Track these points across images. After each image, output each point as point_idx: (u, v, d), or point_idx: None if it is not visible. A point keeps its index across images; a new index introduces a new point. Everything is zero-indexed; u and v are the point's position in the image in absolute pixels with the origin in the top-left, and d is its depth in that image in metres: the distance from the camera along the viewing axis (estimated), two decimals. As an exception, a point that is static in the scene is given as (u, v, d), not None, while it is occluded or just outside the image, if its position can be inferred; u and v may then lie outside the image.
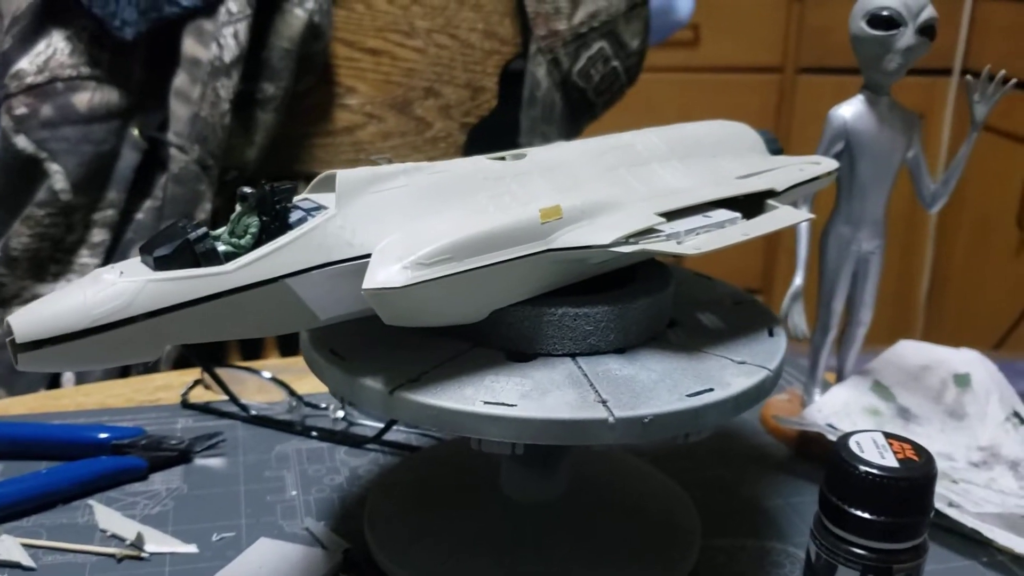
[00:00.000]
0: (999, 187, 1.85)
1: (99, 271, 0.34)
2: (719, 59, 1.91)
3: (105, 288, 0.34)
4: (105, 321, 0.33)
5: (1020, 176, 1.81)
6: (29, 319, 0.33)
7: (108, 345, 0.34)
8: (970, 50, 1.95)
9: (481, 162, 0.43)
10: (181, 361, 0.81)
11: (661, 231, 0.42)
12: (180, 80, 0.83)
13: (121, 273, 0.34)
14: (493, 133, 0.99)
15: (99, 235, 0.85)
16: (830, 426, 0.59)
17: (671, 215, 0.43)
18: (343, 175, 0.38)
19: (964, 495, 0.55)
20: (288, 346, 0.94)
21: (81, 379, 0.78)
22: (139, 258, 0.35)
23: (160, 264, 0.34)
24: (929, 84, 1.97)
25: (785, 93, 1.97)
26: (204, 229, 0.35)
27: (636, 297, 0.43)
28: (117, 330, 0.34)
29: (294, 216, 0.37)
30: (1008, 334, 1.77)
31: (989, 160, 1.77)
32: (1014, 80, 0.56)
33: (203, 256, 0.35)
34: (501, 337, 0.42)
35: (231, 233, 0.36)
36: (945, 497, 0.53)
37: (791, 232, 0.55)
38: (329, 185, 0.39)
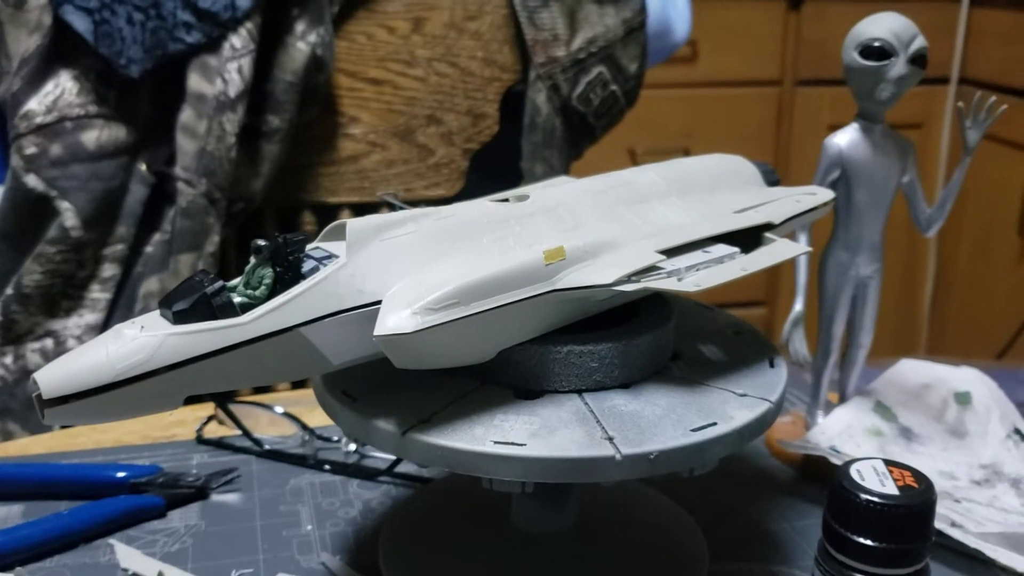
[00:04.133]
0: (1000, 195, 1.86)
1: (120, 326, 0.36)
2: (718, 74, 1.92)
3: (127, 343, 0.35)
4: (128, 375, 0.35)
5: (1021, 184, 1.82)
6: (54, 375, 0.34)
7: (131, 398, 0.35)
8: (967, 58, 1.97)
9: (485, 205, 0.44)
10: (194, 396, 0.82)
11: (662, 268, 0.43)
12: (186, 115, 0.84)
13: (142, 328, 0.35)
14: (495, 156, 1.00)
15: (109, 270, 0.87)
16: (833, 449, 0.60)
17: (671, 252, 0.45)
18: (353, 224, 0.40)
19: (966, 514, 0.56)
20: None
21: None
22: (158, 312, 0.37)
23: (179, 318, 0.36)
24: (927, 93, 1.99)
25: (784, 106, 1.98)
26: (220, 282, 0.37)
27: (639, 333, 0.44)
28: (139, 383, 0.35)
29: (307, 266, 0.39)
30: (1011, 343, 1.77)
31: (990, 168, 1.78)
32: (1004, 106, 0.57)
33: (220, 309, 0.36)
34: (509, 375, 0.43)
35: (246, 284, 0.38)
36: (947, 517, 0.54)
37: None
38: (340, 234, 0.40)
